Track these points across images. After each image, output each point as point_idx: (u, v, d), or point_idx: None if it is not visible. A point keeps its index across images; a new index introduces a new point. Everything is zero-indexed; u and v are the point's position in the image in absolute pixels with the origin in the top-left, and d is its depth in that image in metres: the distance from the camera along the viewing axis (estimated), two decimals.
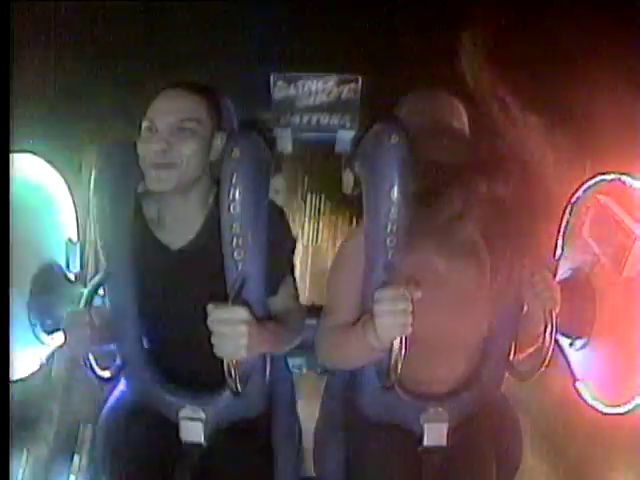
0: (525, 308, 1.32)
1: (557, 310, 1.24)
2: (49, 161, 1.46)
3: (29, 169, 1.40)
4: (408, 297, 1.06)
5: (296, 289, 1.37)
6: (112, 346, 1.30)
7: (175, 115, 1.20)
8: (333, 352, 1.29)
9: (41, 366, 1.44)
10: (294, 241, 1.37)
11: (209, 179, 1.28)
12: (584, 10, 1.40)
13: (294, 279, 1.36)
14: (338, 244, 1.36)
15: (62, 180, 1.49)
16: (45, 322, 1.40)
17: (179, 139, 1.19)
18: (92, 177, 1.25)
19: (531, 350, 1.30)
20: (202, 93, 1.25)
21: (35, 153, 1.42)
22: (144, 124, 1.21)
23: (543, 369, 1.26)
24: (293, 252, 1.37)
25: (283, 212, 1.35)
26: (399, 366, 1.13)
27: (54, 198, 1.48)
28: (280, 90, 1.53)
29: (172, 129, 1.19)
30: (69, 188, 1.50)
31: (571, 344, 1.51)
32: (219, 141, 1.25)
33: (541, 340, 1.23)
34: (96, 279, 1.25)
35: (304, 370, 1.62)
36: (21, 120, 1.25)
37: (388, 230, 1.19)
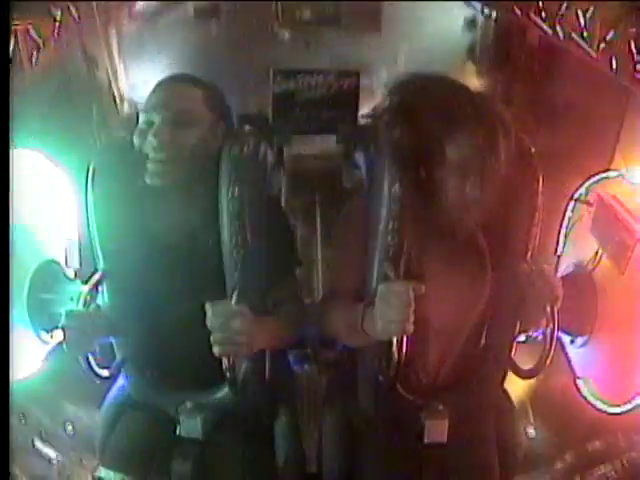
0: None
1: (558, 305, 1.22)
2: (49, 158, 1.45)
3: (29, 166, 1.40)
4: (412, 295, 1.06)
5: (296, 283, 1.37)
6: (112, 343, 1.30)
7: (173, 108, 1.19)
8: (332, 323, 1.29)
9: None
10: (294, 236, 1.36)
11: (209, 174, 1.27)
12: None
13: (294, 274, 1.36)
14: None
15: (62, 175, 1.49)
16: (44, 320, 1.40)
17: (177, 132, 1.18)
18: (90, 174, 1.24)
19: (529, 332, 1.29)
20: (199, 86, 1.24)
21: (35, 150, 1.41)
22: (142, 117, 1.20)
23: (545, 367, 1.26)
24: (293, 247, 1.36)
25: (282, 207, 1.34)
26: (400, 364, 1.13)
27: (53, 194, 1.47)
28: (280, 84, 1.51)
29: (170, 122, 1.18)
30: (68, 185, 1.49)
31: (572, 341, 1.51)
32: (218, 134, 1.24)
33: (542, 340, 1.23)
34: (95, 277, 1.25)
35: (305, 367, 1.62)
36: (21, 117, 1.24)
37: (390, 227, 1.18)
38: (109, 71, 1.58)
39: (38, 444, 1.34)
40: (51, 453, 1.35)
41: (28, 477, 1.23)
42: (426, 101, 1.17)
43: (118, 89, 1.58)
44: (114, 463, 1.29)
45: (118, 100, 1.59)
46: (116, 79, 1.59)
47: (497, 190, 1.15)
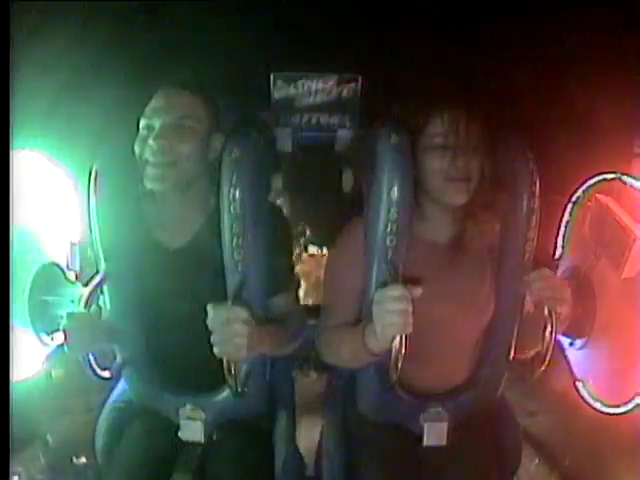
0: (528, 308, 1.31)
1: (562, 309, 1.21)
2: (50, 160, 1.46)
3: (30, 166, 1.41)
4: (408, 297, 1.06)
5: (297, 290, 1.37)
6: (112, 346, 1.31)
7: (173, 113, 1.20)
8: (333, 352, 1.29)
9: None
10: (292, 242, 1.37)
11: (209, 179, 1.27)
12: (585, 10, 1.39)
13: (295, 280, 1.36)
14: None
15: (63, 178, 1.49)
16: (45, 322, 1.40)
17: (177, 137, 1.19)
18: (92, 177, 1.25)
19: (532, 353, 1.29)
20: (200, 92, 1.25)
21: (36, 152, 1.42)
22: (142, 122, 1.21)
23: (543, 369, 1.26)
24: (292, 253, 1.37)
25: (282, 212, 1.35)
26: (399, 366, 1.13)
27: (54, 196, 1.48)
28: (280, 89, 1.52)
29: (170, 127, 1.19)
30: (70, 187, 1.50)
31: (571, 344, 1.51)
32: (217, 140, 1.25)
33: (541, 341, 1.23)
34: (96, 279, 1.25)
35: (304, 369, 1.62)
36: (22, 118, 1.25)
37: (388, 230, 1.18)
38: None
39: None
40: None
41: None
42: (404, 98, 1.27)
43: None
44: (117, 476, 1.29)
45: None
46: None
47: (485, 178, 1.19)
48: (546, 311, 1.22)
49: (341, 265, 1.29)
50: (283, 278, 1.31)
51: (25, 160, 1.39)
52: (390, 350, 1.11)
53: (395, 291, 1.07)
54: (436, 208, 1.24)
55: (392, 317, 1.06)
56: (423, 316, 1.07)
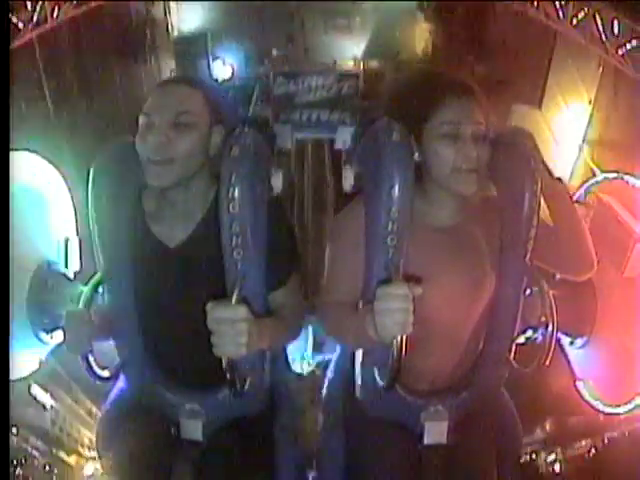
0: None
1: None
2: (48, 159, 1.45)
3: (28, 168, 1.40)
4: (409, 296, 1.06)
5: (297, 285, 1.37)
6: (112, 345, 1.30)
7: (172, 109, 1.19)
8: (335, 330, 1.29)
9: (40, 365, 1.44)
10: (294, 237, 1.36)
11: (209, 175, 1.27)
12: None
13: (295, 275, 1.36)
14: None
15: (61, 178, 1.49)
16: (44, 321, 1.40)
17: (177, 133, 1.18)
18: (91, 175, 1.24)
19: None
20: (199, 87, 1.24)
21: (34, 152, 1.42)
22: (141, 119, 1.20)
23: (544, 368, 1.26)
24: (294, 248, 1.36)
25: (283, 209, 1.34)
26: (400, 366, 1.12)
27: (53, 196, 1.47)
28: (280, 86, 1.52)
29: (170, 123, 1.18)
30: (68, 186, 1.50)
31: (572, 342, 1.51)
32: (218, 135, 1.24)
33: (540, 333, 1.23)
34: (95, 278, 1.25)
35: (304, 368, 1.62)
36: (20, 119, 1.24)
37: (389, 229, 1.18)
38: None
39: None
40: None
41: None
42: (412, 82, 1.28)
43: None
44: (117, 474, 1.29)
45: None
46: None
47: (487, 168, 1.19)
48: (547, 308, 1.23)
49: (343, 243, 1.28)
50: (283, 274, 1.30)
51: (25, 161, 1.38)
52: (390, 349, 1.10)
53: (397, 289, 1.06)
54: (442, 194, 1.23)
55: (392, 316, 1.05)
56: (424, 301, 1.07)
